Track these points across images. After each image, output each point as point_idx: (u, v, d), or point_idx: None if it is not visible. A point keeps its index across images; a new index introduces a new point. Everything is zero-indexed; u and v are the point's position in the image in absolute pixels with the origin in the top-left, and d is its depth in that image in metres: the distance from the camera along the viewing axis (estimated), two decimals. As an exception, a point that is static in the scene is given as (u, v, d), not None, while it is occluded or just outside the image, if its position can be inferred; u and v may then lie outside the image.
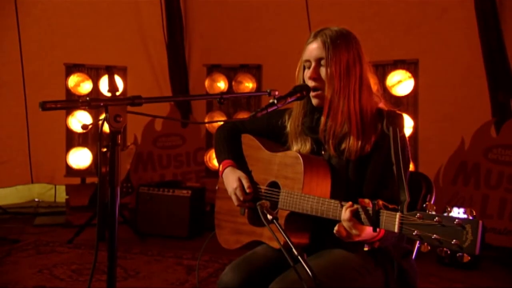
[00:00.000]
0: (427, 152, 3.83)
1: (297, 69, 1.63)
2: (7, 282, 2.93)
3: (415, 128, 3.60)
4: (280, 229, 1.34)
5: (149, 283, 3.01)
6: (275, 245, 1.54)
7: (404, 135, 1.52)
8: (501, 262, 3.41)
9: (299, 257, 1.25)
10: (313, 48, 1.55)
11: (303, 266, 1.24)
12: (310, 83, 1.57)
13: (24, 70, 4.99)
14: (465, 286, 3.05)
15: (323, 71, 1.55)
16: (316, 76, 1.55)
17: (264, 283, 1.49)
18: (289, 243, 1.29)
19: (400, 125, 1.50)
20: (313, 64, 1.56)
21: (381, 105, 1.59)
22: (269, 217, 1.35)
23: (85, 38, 4.91)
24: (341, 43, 1.53)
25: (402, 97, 3.62)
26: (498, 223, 3.63)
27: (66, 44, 4.91)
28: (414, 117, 3.60)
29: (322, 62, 1.54)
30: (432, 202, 1.68)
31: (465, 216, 1.09)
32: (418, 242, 1.16)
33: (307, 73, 1.58)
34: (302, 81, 1.61)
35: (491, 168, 3.75)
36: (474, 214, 1.09)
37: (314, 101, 1.58)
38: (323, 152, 1.61)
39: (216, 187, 1.88)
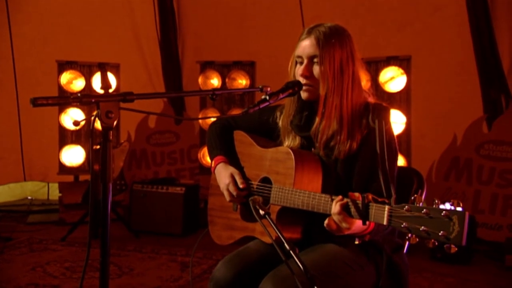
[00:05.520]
0: (420, 148, 3.86)
1: (290, 64, 1.63)
2: (0, 280, 2.92)
3: (408, 124, 3.62)
4: (272, 224, 1.35)
5: (143, 280, 3.01)
6: (267, 240, 1.55)
7: (390, 127, 1.53)
8: (493, 257, 3.45)
9: (291, 251, 1.26)
10: (306, 45, 1.55)
11: (295, 260, 1.25)
12: (301, 80, 1.57)
13: (15, 68, 4.95)
14: (457, 280, 3.09)
15: (316, 69, 1.54)
16: (308, 74, 1.55)
17: (256, 278, 1.49)
18: (281, 238, 1.29)
19: (386, 117, 1.51)
20: (305, 61, 1.55)
21: (370, 99, 1.59)
22: (261, 212, 1.36)
23: (77, 35, 4.88)
24: (335, 41, 1.52)
25: (395, 93, 3.64)
26: (490, 218, 3.67)
27: (58, 41, 4.87)
28: (407, 114, 3.62)
29: (315, 59, 1.54)
30: (423, 197, 1.69)
31: (452, 207, 1.11)
32: (408, 235, 1.17)
33: (299, 69, 1.58)
34: (294, 76, 1.61)
35: (483, 164, 3.78)
36: (461, 205, 1.10)
37: (304, 95, 1.58)
38: (313, 149, 1.62)
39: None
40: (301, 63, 1.57)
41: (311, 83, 1.55)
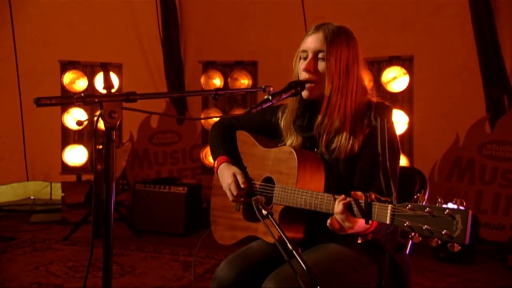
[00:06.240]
0: (422, 148, 3.85)
1: (294, 59, 1.62)
2: (3, 279, 2.93)
3: (410, 124, 3.62)
4: (275, 224, 1.35)
5: (145, 279, 3.01)
6: (270, 240, 1.54)
7: (392, 126, 1.52)
8: (495, 257, 3.44)
9: (293, 251, 1.26)
10: (313, 40, 1.54)
11: (298, 260, 1.25)
12: (304, 75, 1.55)
13: (18, 67, 4.96)
14: (460, 280, 3.08)
15: (320, 65, 1.53)
16: (311, 69, 1.54)
17: (259, 277, 1.50)
18: (284, 237, 1.29)
19: (388, 116, 1.50)
20: (310, 56, 1.54)
21: (373, 99, 1.59)
22: (264, 212, 1.36)
23: (80, 35, 4.89)
24: (342, 40, 1.52)
25: (397, 93, 3.64)
26: (492, 218, 3.66)
27: (60, 41, 4.88)
28: (409, 113, 3.62)
29: (320, 55, 1.53)
30: (426, 197, 1.69)
31: (455, 206, 1.10)
32: (411, 234, 1.17)
33: (302, 64, 1.56)
34: (297, 72, 1.61)
35: (485, 164, 3.77)
36: (464, 204, 1.10)
37: (305, 93, 1.57)
38: (315, 149, 1.62)
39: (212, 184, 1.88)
40: (305, 58, 1.56)
41: (313, 78, 1.54)
